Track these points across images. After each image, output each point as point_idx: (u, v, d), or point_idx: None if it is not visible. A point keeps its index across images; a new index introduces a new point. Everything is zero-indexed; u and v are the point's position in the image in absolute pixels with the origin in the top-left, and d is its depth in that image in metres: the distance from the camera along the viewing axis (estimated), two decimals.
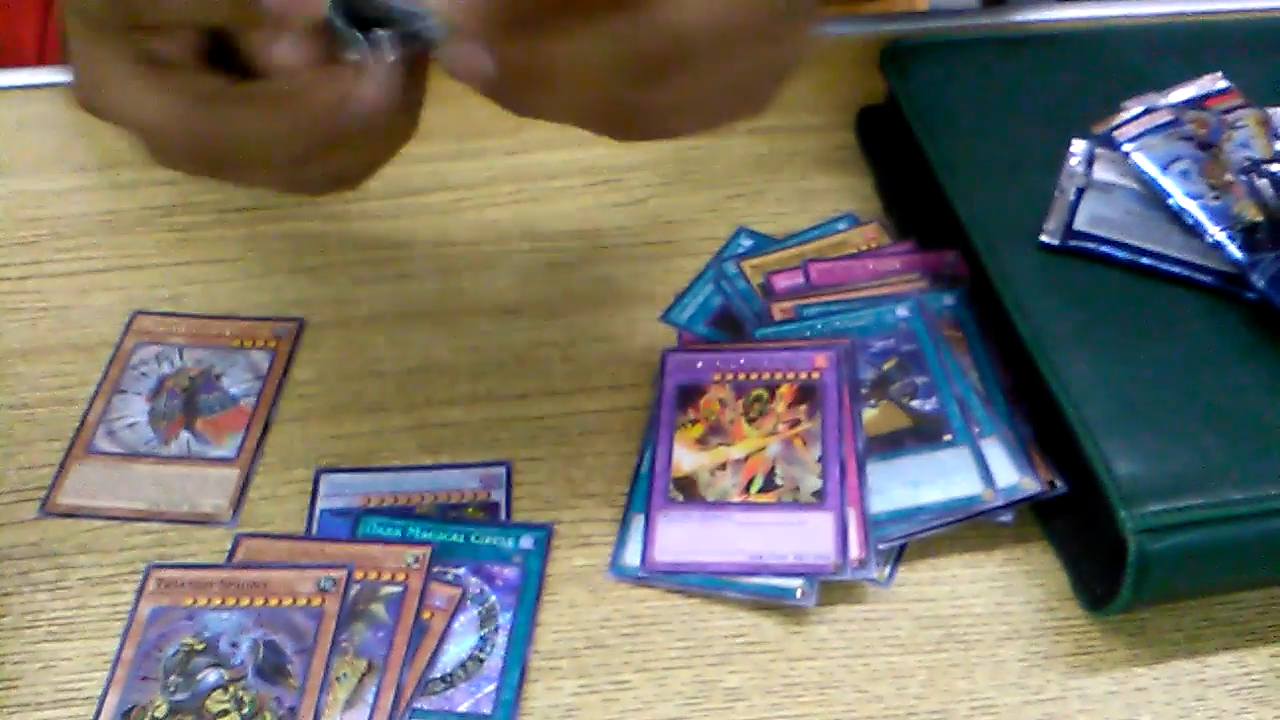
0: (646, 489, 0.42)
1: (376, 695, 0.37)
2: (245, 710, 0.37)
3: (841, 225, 0.51)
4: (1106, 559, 0.39)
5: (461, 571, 0.40)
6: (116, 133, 0.35)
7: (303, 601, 0.39)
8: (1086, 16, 0.61)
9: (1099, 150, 0.45)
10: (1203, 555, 0.37)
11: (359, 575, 0.40)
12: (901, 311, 0.46)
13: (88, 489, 0.43)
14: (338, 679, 0.38)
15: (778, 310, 0.47)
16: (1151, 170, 0.44)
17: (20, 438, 0.45)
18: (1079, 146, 0.46)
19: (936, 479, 0.41)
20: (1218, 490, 0.38)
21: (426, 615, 0.39)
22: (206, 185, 0.53)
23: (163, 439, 0.44)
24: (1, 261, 0.51)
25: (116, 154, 0.55)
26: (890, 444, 0.42)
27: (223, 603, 0.39)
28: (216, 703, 0.37)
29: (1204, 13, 0.60)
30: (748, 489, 0.42)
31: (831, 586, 0.40)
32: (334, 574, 0.40)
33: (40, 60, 0.62)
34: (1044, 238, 0.44)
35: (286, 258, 0.51)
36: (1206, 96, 0.47)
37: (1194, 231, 0.43)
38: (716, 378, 0.45)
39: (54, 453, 0.44)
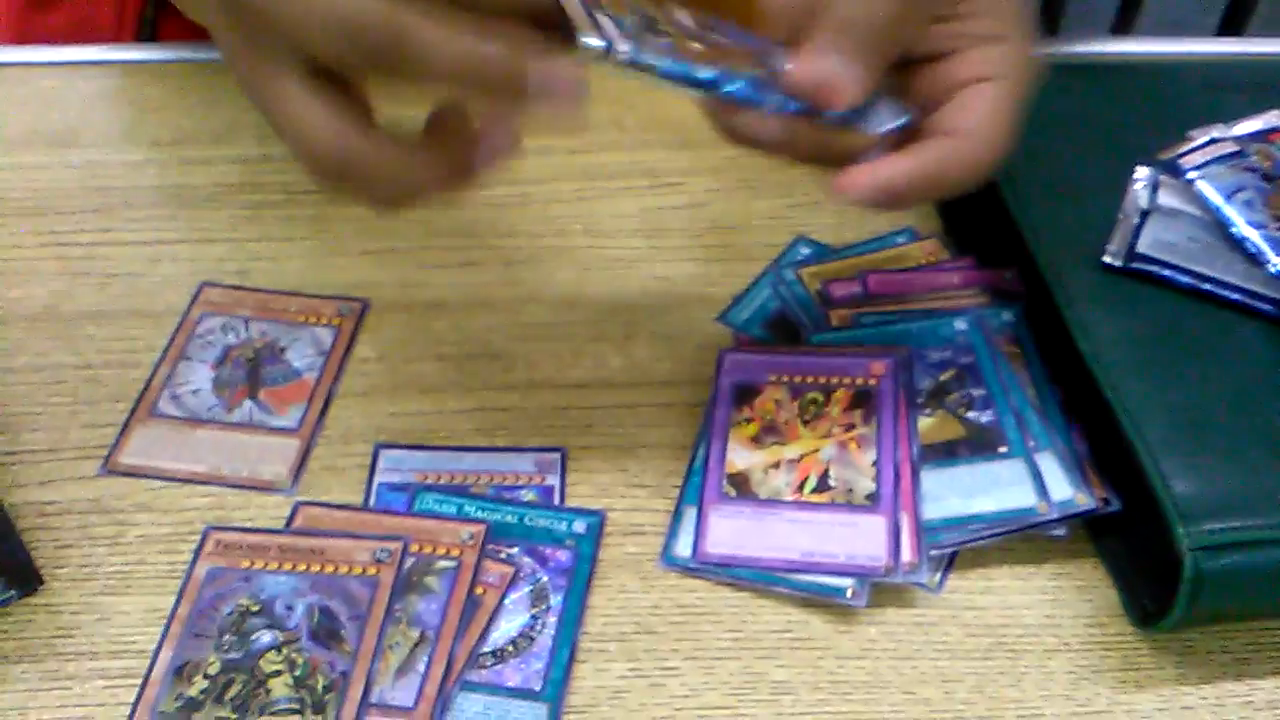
0: (700, 482, 0.43)
1: (428, 665, 0.38)
2: (298, 672, 0.37)
3: (900, 239, 0.51)
4: (1158, 576, 0.39)
5: (515, 551, 0.41)
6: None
7: (359, 570, 0.40)
8: (1146, 51, 0.62)
9: (1163, 177, 0.46)
10: (1256, 575, 0.37)
11: (414, 548, 0.40)
12: (960, 324, 0.46)
13: (149, 450, 0.43)
14: (390, 647, 0.38)
15: (835, 317, 0.47)
16: (1215, 198, 0.45)
17: (85, 397, 0.45)
18: (1143, 172, 0.46)
19: (991, 489, 0.41)
20: (1273, 512, 0.38)
21: (479, 591, 0.39)
22: (277, 166, 0.54)
23: (226, 406, 0.45)
24: (73, 228, 0.52)
25: (189, 131, 0.56)
26: (945, 453, 0.43)
27: (280, 567, 0.40)
28: (270, 663, 0.38)
29: (1261, 54, 0.60)
30: (801, 489, 0.42)
31: (882, 589, 0.40)
32: (390, 545, 0.40)
33: (117, 37, 0.63)
34: (1107, 259, 0.45)
35: (353, 240, 0.51)
36: (1271, 131, 0.48)
37: (1255, 260, 0.44)
38: (772, 379, 0.45)
39: (117, 413, 0.45)
